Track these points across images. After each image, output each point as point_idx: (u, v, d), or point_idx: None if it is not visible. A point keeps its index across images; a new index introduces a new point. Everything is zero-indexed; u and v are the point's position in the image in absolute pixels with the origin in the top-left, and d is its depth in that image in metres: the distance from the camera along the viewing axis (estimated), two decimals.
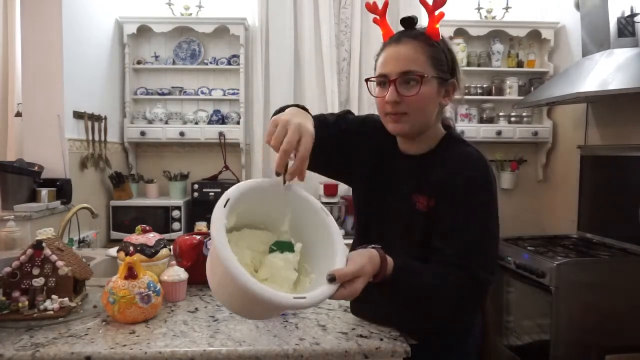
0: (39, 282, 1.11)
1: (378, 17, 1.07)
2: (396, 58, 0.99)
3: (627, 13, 2.27)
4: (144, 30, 3.06)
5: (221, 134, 3.02)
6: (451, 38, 3.01)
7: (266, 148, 3.08)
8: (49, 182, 2.19)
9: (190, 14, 3.08)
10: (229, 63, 3.10)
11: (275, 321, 1.10)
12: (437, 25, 0.99)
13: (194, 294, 1.31)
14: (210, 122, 3.09)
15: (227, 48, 3.16)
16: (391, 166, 1.12)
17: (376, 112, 1.08)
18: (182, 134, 3.01)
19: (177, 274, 1.25)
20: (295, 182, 0.87)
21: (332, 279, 0.79)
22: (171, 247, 1.39)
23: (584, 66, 2.37)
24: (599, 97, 2.36)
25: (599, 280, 2.14)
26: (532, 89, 3.07)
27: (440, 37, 1.01)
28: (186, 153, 3.25)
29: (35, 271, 1.12)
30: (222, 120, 3.11)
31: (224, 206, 0.79)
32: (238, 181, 3.09)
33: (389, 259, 0.89)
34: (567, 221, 2.87)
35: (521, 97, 2.99)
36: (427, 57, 0.98)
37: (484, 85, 3.15)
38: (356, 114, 1.23)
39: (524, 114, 3.15)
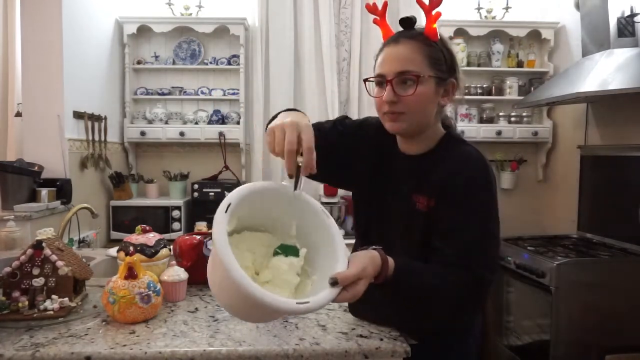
0: (39, 282, 1.11)
1: (378, 17, 1.07)
2: (393, 58, 1.00)
3: (627, 13, 2.27)
4: (144, 30, 3.06)
5: (221, 134, 3.02)
6: (451, 38, 3.01)
7: (266, 148, 3.08)
8: (49, 182, 2.19)
9: (190, 14, 3.08)
10: (229, 63, 3.10)
11: (275, 321, 1.10)
12: (435, 25, 0.99)
13: (194, 294, 1.31)
14: (210, 122, 3.09)
15: (227, 48, 3.16)
16: (391, 166, 1.12)
17: (375, 113, 1.09)
18: (182, 134, 3.01)
19: (177, 274, 1.25)
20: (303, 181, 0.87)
21: (334, 282, 0.79)
22: (171, 247, 1.39)
23: (584, 66, 2.37)
24: (599, 97, 2.36)
25: (599, 280, 2.14)
26: (532, 89, 3.06)
27: (439, 37, 1.01)
28: (186, 153, 3.25)
29: (35, 271, 1.12)
30: (222, 120, 3.11)
31: (225, 211, 0.79)
32: (238, 181, 3.10)
33: (390, 260, 0.89)
34: (567, 221, 2.86)
35: (521, 97, 2.99)
36: (425, 57, 0.98)
37: (484, 85, 3.15)
38: (356, 114, 1.24)
39: (524, 114, 3.15)
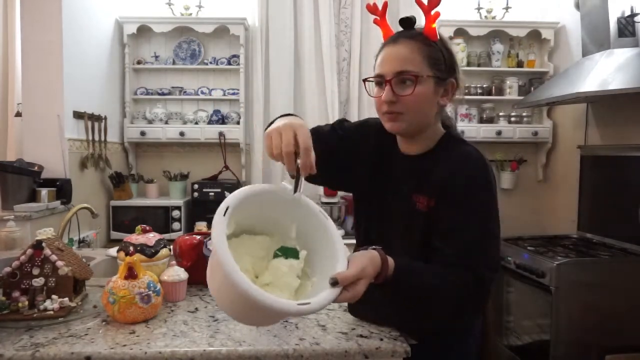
0: (39, 282, 1.11)
1: (378, 18, 1.07)
2: (392, 58, 1.00)
3: (627, 13, 2.27)
4: (144, 30, 3.06)
5: (221, 134, 3.02)
6: (451, 38, 3.01)
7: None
8: (49, 182, 2.19)
9: (190, 14, 3.08)
10: (229, 63, 3.10)
11: None
12: (434, 25, 0.99)
13: (194, 294, 1.31)
14: (210, 122, 3.09)
15: (227, 48, 3.16)
16: (391, 166, 1.12)
17: (375, 113, 1.09)
18: (182, 134, 3.01)
19: (177, 274, 1.25)
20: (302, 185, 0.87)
21: (334, 282, 0.79)
22: (171, 247, 1.40)
23: (584, 66, 2.37)
24: (599, 97, 2.36)
25: (599, 280, 2.14)
26: (532, 89, 3.06)
27: (439, 37, 1.01)
28: (186, 153, 3.25)
29: (35, 271, 1.12)
30: (222, 120, 3.11)
31: (224, 214, 0.79)
32: (238, 181, 3.10)
33: (390, 260, 0.89)
34: (567, 221, 2.86)
35: (521, 97, 2.99)
36: (424, 56, 0.99)
37: (484, 85, 3.15)
38: (356, 114, 1.25)
39: (524, 114, 3.15)
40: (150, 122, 3.07)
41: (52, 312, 1.09)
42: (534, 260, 2.25)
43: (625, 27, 2.27)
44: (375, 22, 1.08)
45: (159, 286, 1.14)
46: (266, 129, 0.96)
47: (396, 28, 1.05)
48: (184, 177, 3.10)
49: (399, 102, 0.99)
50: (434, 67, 0.99)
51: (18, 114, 2.80)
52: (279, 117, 0.99)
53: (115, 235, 2.82)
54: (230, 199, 0.82)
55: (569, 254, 2.29)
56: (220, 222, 0.78)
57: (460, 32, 3.05)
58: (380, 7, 1.08)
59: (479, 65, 3.14)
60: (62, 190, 2.22)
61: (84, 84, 2.57)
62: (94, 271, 1.31)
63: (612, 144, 2.56)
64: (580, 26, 2.55)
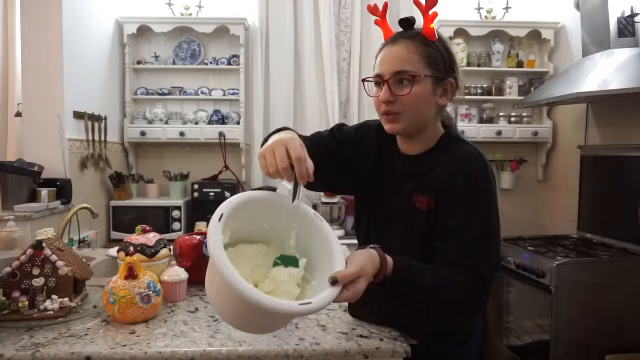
0: (39, 282, 1.11)
1: (379, 18, 1.07)
2: (390, 58, 1.00)
3: (627, 13, 2.27)
4: (144, 30, 3.06)
5: (221, 134, 3.02)
6: (451, 38, 3.01)
7: None
8: (49, 182, 2.19)
9: (190, 14, 3.08)
10: (229, 63, 3.10)
11: None
12: (432, 25, 1.00)
13: (194, 294, 1.31)
14: (210, 122, 3.09)
15: (227, 48, 3.16)
16: (391, 166, 1.12)
17: (374, 114, 1.09)
18: (182, 134, 3.01)
19: (177, 274, 1.25)
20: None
21: (334, 281, 0.79)
22: (171, 247, 1.40)
23: (584, 66, 2.37)
24: (599, 97, 2.36)
25: (599, 280, 2.14)
26: (532, 89, 3.07)
27: (438, 37, 1.01)
28: (186, 153, 3.25)
29: (35, 271, 1.12)
30: (222, 120, 3.11)
31: (219, 220, 0.79)
32: (238, 181, 3.10)
33: (389, 259, 0.89)
34: (567, 221, 2.86)
35: (521, 97, 2.99)
36: (422, 56, 0.99)
37: (484, 85, 3.15)
38: (356, 114, 1.25)
39: (524, 114, 3.15)
40: (150, 122, 3.07)
41: (52, 312, 1.09)
42: (534, 260, 2.25)
43: (625, 27, 2.27)
44: (376, 22, 1.09)
45: (159, 286, 1.14)
46: (262, 146, 0.98)
47: (396, 28, 1.06)
48: (184, 177, 3.10)
49: (397, 101, 0.99)
50: (432, 67, 0.99)
51: (18, 114, 2.80)
52: (270, 135, 1.01)
53: (115, 235, 2.82)
54: (225, 206, 0.82)
55: (569, 254, 2.29)
56: (216, 229, 0.78)
57: (460, 32, 3.05)
58: (380, 7, 1.08)
59: (479, 65, 3.14)
60: (62, 190, 2.23)
61: (84, 84, 2.57)
62: (94, 271, 1.31)
63: (612, 144, 2.56)
64: (580, 26, 2.55)
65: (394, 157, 1.12)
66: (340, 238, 2.97)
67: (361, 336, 1.02)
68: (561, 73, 2.68)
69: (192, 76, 3.19)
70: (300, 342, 0.98)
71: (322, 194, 2.93)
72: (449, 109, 1.15)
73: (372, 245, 0.90)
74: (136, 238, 1.33)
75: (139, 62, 3.11)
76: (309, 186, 0.89)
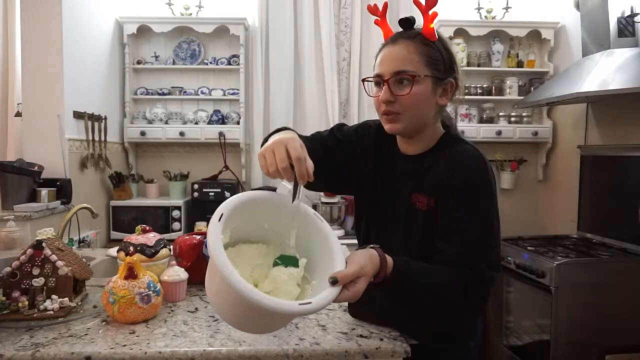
0: (39, 282, 1.12)
1: (379, 18, 1.08)
2: (390, 58, 1.01)
3: (627, 13, 2.27)
4: (144, 30, 3.06)
5: (221, 134, 3.02)
6: (451, 38, 3.01)
7: None
8: (49, 182, 2.19)
9: (190, 14, 3.08)
10: (229, 63, 3.10)
11: None
12: (432, 25, 1.00)
13: (194, 294, 1.31)
14: (210, 122, 3.09)
15: (227, 48, 3.16)
16: (391, 166, 1.12)
17: (375, 114, 1.09)
18: (182, 134, 3.01)
19: (177, 274, 1.25)
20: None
21: (334, 281, 0.79)
22: (171, 247, 1.40)
23: (584, 66, 2.37)
24: (599, 97, 2.36)
25: (599, 280, 2.14)
26: (532, 89, 3.06)
27: (438, 37, 1.02)
28: (186, 153, 3.25)
29: (35, 271, 1.12)
30: (222, 120, 3.11)
31: (219, 220, 0.79)
32: (238, 181, 3.10)
33: (389, 258, 0.89)
34: (567, 221, 2.86)
35: (521, 97, 2.99)
36: (422, 56, 0.99)
37: (484, 85, 3.15)
38: (356, 114, 1.25)
39: (524, 114, 3.15)
40: (150, 122, 3.07)
41: (52, 312, 1.09)
42: (534, 260, 2.25)
43: (625, 27, 2.27)
44: (376, 22, 1.09)
45: (159, 286, 1.14)
46: (262, 146, 0.98)
47: (397, 28, 1.06)
48: (184, 177, 3.10)
49: (397, 101, 1.00)
50: (432, 67, 1.00)
51: (18, 114, 2.80)
52: (271, 135, 1.01)
53: (115, 235, 2.82)
54: (225, 206, 0.82)
55: (569, 254, 2.29)
56: (216, 228, 0.77)
57: (460, 32, 3.05)
58: (380, 7, 1.08)
59: (479, 65, 3.14)
60: (62, 190, 2.22)
61: (84, 84, 2.57)
62: (94, 271, 1.31)
63: (612, 144, 2.56)
64: (580, 26, 2.55)
65: (393, 157, 1.12)
66: (340, 238, 2.97)
67: (361, 336, 1.02)
68: (561, 73, 2.68)
69: (192, 76, 3.19)
70: (300, 342, 0.98)
71: (322, 194, 2.93)
72: (449, 109, 1.15)
73: (371, 245, 0.90)
74: (136, 238, 1.33)
75: (139, 62, 3.11)
76: (309, 186, 0.89)
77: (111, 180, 2.82)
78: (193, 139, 3.05)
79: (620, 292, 2.14)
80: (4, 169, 2.08)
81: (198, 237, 1.38)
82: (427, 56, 0.99)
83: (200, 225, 2.66)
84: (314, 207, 2.92)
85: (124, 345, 0.96)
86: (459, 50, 3.01)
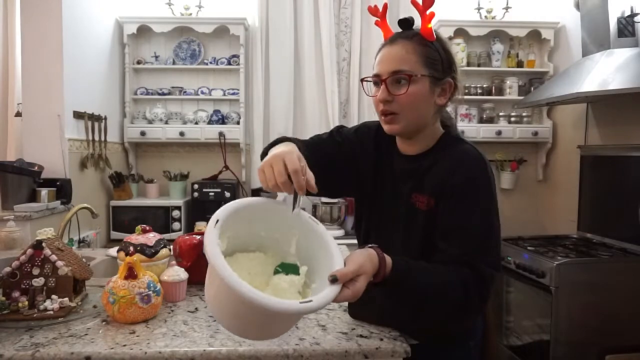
0: (39, 282, 1.12)
1: (379, 19, 1.08)
2: (388, 58, 1.01)
3: (627, 13, 2.27)
4: (144, 30, 3.06)
5: (221, 134, 3.02)
6: (451, 38, 3.01)
7: None
8: (49, 182, 2.19)
9: (190, 14, 3.08)
10: (229, 63, 3.10)
11: None
12: (430, 25, 1.00)
13: (194, 294, 1.31)
14: (210, 122, 3.09)
15: (227, 48, 3.16)
16: (390, 166, 1.13)
17: (375, 114, 1.09)
18: (182, 134, 3.01)
19: (177, 274, 1.25)
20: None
21: (334, 279, 0.79)
22: (171, 247, 1.40)
23: (584, 66, 2.37)
24: (599, 97, 2.36)
25: (599, 280, 2.14)
26: (532, 89, 3.07)
27: (437, 37, 1.02)
28: (186, 153, 3.25)
29: (35, 271, 1.12)
30: (222, 120, 3.11)
31: (214, 226, 0.79)
32: (238, 181, 3.10)
33: (388, 258, 0.89)
34: (567, 221, 2.86)
35: (521, 97, 2.99)
36: (419, 56, 0.99)
37: (484, 85, 3.15)
38: (356, 114, 1.26)
39: (524, 114, 3.15)
40: (150, 122, 3.07)
41: (52, 312, 1.09)
42: (534, 260, 2.25)
43: (625, 27, 2.27)
44: (376, 23, 1.09)
45: (159, 286, 1.14)
46: (261, 157, 0.99)
47: (396, 29, 1.06)
48: (184, 177, 3.10)
49: (394, 101, 1.00)
50: (429, 67, 1.00)
51: (18, 114, 2.80)
52: (271, 146, 1.03)
53: (115, 235, 2.82)
54: (220, 212, 0.82)
55: (569, 254, 2.29)
56: (212, 233, 0.77)
57: (460, 32, 3.05)
58: (380, 8, 1.08)
59: (478, 65, 3.14)
60: (62, 190, 2.23)
61: (84, 84, 2.57)
62: (94, 271, 1.31)
63: (612, 144, 2.56)
64: (580, 26, 2.55)
65: (393, 157, 1.12)
66: (340, 238, 2.96)
67: (361, 336, 1.02)
68: (561, 73, 2.68)
69: (192, 76, 3.19)
70: (300, 342, 0.99)
71: None
72: (449, 109, 1.15)
73: (370, 245, 0.90)
74: (136, 238, 1.33)
75: (139, 62, 3.11)
76: (309, 193, 0.89)
77: (111, 180, 2.82)
78: (193, 139, 3.05)
79: (620, 292, 2.14)
80: (4, 169, 2.09)
81: (198, 237, 1.38)
82: (424, 56, 1.00)
83: (200, 225, 2.66)
84: (314, 207, 2.92)
85: (124, 345, 0.96)
86: (459, 50, 3.01)
